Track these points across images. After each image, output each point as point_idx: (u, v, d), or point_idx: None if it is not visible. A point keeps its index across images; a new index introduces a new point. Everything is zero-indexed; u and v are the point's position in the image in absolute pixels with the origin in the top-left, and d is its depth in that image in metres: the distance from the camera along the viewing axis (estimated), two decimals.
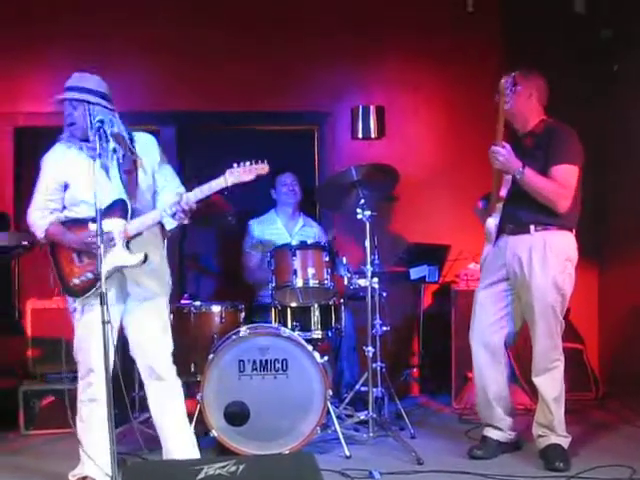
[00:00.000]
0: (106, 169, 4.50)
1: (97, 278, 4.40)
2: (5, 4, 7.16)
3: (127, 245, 4.43)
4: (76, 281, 4.55)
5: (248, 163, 4.23)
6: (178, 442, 4.68)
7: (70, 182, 4.58)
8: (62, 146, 4.65)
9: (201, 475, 3.47)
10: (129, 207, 4.44)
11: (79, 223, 4.53)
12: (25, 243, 4.54)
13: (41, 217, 4.63)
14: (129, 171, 4.53)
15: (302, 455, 3.99)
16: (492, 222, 5.15)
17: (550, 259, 4.98)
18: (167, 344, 4.67)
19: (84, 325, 4.62)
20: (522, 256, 5.03)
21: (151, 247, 4.59)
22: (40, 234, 4.61)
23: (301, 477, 3.55)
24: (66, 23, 7.19)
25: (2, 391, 6.40)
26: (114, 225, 4.39)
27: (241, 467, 3.52)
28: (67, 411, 5.76)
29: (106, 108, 4.51)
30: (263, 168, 4.21)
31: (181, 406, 4.72)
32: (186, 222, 4.53)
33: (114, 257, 4.39)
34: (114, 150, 4.49)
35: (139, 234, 4.45)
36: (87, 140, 4.50)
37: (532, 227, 5.01)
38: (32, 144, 7.29)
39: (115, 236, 4.40)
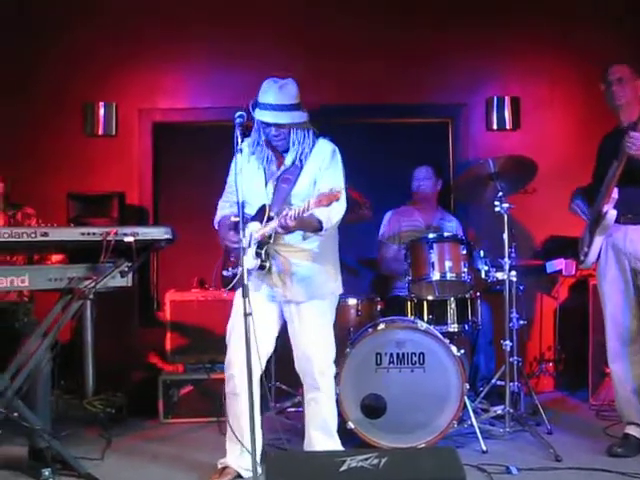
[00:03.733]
0: (268, 175, 4.64)
1: (235, 273, 4.55)
2: (144, 3, 7.36)
3: (260, 248, 4.51)
4: (226, 273, 4.68)
5: (328, 190, 4.12)
6: (319, 442, 4.74)
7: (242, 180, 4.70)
8: (248, 142, 4.75)
9: (344, 467, 3.48)
10: (266, 213, 4.51)
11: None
12: (167, 236, 4.61)
13: (220, 208, 4.85)
14: (287, 179, 4.60)
15: (444, 449, 3.94)
16: (614, 214, 5.01)
17: None
18: (315, 350, 4.68)
19: (231, 317, 4.76)
20: None
21: (303, 252, 4.67)
22: (215, 224, 4.83)
23: (444, 472, 3.52)
24: (202, 21, 7.33)
25: (142, 381, 6.59)
26: (252, 228, 4.48)
27: (383, 460, 3.51)
28: (205, 400, 5.93)
29: (303, 124, 4.59)
30: (335, 195, 4.08)
31: (326, 409, 4.77)
32: (322, 234, 4.54)
33: (245, 258, 4.48)
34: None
35: (268, 240, 4.50)
36: (287, 150, 4.62)
37: None
38: (169, 139, 7.48)
39: (249, 239, 4.48)
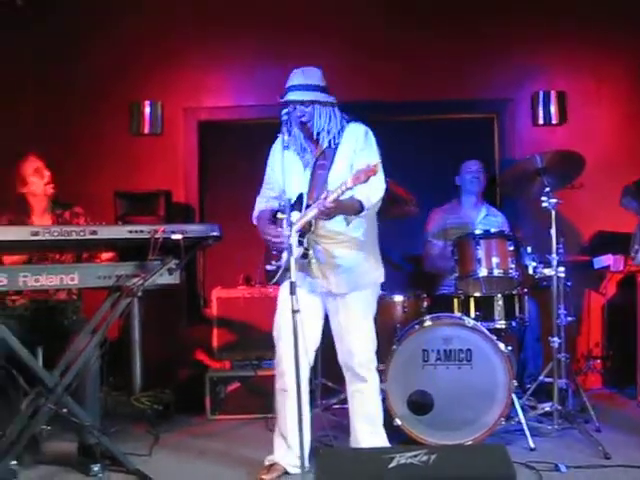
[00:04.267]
0: (305, 164, 4.62)
1: (278, 267, 4.59)
2: (189, 3, 7.43)
3: (302, 237, 4.50)
4: (269, 268, 4.71)
5: (367, 165, 4.11)
6: (366, 434, 4.74)
7: (277, 174, 4.73)
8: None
9: (393, 464, 3.48)
10: (304, 200, 4.52)
11: (282, 213, 4.66)
12: (215, 234, 4.64)
13: (258, 204, 4.89)
14: (323, 165, 4.61)
15: (494, 447, 3.93)
16: None
17: None
18: (359, 340, 4.68)
19: (277, 312, 4.77)
20: None
21: (345, 241, 4.65)
22: (253, 220, 4.86)
23: (494, 469, 3.52)
24: (245, 19, 7.37)
25: (189, 377, 6.63)
26: (292, 218, 4.43)
27: (433, 457, 3.51)
28: (252, 397, 5.95)
29: (327, 103, 4.60)
30: (372, 170, 4.08)
31: (372, 400, 4.77)
32: (362, 215, 4.51)
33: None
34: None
35: (309, 227, 4.50)
36: (311, 137, 4.63)
37: None
38: (214, 137, 7.52)
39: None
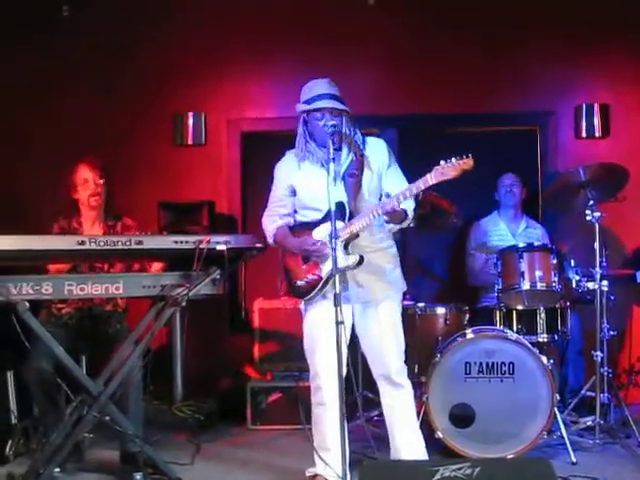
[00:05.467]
0: (335, 174, 4.50)
1: (318, 281, 4.55)
2: (232, 15, 7.44)
3: (345, 247, 4.46)
4: (300, 283, 4.66)
5: (454, 159, 4.09)
6: (406, 442, 4.70)
7: (298, 188, 4.71)
8: (292, 154, 4.78)
9: (437, 476, 3.47)
10: (347, 210, 4.48)
11: (307, 227, 4.65)
12: (258, 245, 4.67)
13: (271, 222, 4.81)
14: (354, 174, 4.58)
15: (538, 461, 3.88)
16: None
17: None
18: (395, 347, 4.66)
19: (308, 327, 4.74)
20: None
21: (380, 250, 4.65)
22: (269, 239, 4.79)
23: None
24: (288, 33, 7.40)
25: (231, 387, 6.64)
26: (328, 229, 4.35)
27: (476, 470, 3.50)
28: (293, 408, 5.95)
29: (351, 114, 4.61)
30: (467, 163, 4.06)
31: (410, 407, 4.73)
32: (404, 225, 4.57)
33: (328, 262, 4.40)
34: (346, 154, 4.61)
35: (355, 236, 4.47)
36: (338, 148, 4.58)
37: None
38: (257, 149, 7.54)
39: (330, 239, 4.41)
